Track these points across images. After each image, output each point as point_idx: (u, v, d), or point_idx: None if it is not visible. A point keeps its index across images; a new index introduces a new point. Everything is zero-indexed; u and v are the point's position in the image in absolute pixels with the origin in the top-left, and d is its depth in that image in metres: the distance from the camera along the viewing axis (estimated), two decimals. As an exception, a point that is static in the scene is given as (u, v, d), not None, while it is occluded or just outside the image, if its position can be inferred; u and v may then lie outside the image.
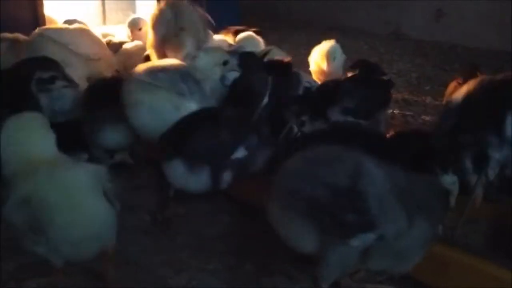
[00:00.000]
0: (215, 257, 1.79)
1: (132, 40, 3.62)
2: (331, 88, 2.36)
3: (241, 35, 3.33)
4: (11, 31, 3.38)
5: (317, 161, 1.43)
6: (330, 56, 2.95)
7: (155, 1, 4.62)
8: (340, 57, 3.00)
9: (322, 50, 3.00)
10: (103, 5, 5.14)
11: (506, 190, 1.80)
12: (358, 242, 1.39)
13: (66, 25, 3.09)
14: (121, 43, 3.52)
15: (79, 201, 1.45)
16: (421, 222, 1.43)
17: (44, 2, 3.92)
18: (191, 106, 2.05)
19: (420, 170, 1.59)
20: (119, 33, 4.82)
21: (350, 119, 2.30)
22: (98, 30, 4.46)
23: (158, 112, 2.01)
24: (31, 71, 2.11)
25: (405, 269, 1.50)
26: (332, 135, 1.89)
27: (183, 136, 1.86)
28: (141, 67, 2.12)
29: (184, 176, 1.83)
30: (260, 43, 3.31)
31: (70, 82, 2.18)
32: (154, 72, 2.06)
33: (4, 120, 1.52)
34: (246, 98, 2.04)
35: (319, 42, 4.53)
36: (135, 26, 3.60)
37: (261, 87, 2.04)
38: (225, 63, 2.28)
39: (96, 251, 1.54)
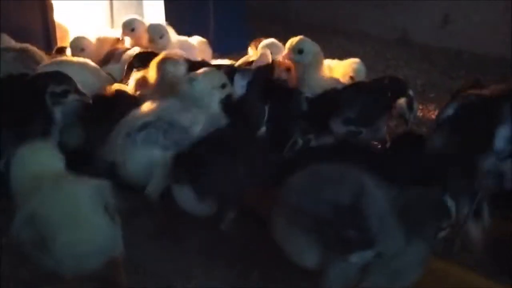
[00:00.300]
0: (222, 264, 1.83)
1: (122, 39, 3.69)
2: (331, 99, 2.38)
3: (264, 42, 3.40)
4: (22, 39, 3.45)
5: (321, 179, 1.48)
6: (355, 74, 2.92)
7: (163, 4, 4.68)
8: (363, 75, 2.96)
9: (345, 67, 2.97)
10: (111, 7, 5.18)
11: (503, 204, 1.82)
12: (357, 258, 1.46)
13: (66, 58, 3.06)
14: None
15: (82, 216, 1.49)
16: (419, 241, 1.46)
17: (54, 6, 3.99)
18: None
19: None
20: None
21: (352, 128, 2.33)
22: (107, 32, 4.56)
23: (144, 164, 2.08)
24: (45, 85, 2.18)
25: (403, 286, 1.53)
26: (334, 151, 1.91)
27: (198, 165, 1.88)
28: (129, 117, 2.16)
29: (193, 203, 1.87)
30: (282, 49, 3.33)
31: (82, 96, 2.23)
32: (141, 128, 2.10)
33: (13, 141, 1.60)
34: (245, 124, 2.06)
35: (325, 49, 4.57)
36: (126, 27, 3.65)
37: (258, 117, 2.07)
38: (223, 86, 2.27)
39: (100, 263, 1.58)
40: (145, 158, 2.07)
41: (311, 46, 2.87)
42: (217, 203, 1.87)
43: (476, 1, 4.78)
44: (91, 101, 2.30)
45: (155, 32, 3.55)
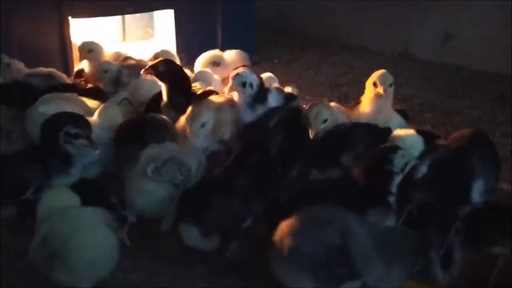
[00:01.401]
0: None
1: (80, 61, 3.89)
2: (343, 134, 2.52)
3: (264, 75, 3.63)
4: (39, 58, 3.66)
5: (313, 223, 1.69)
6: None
7: (173, 19, 4.85)
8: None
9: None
10: (123, 22, 5.36)
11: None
12: None
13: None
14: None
15: (87, 227, 1.92)
16: (397, 268, 1.68)
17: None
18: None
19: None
20: (138, 49, 5.08)
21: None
22: (118, 47, 4.75)
23: (155, 198, 2.34)
24: (63, 124, 2.42)
25: None
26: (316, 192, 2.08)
27: (200, 205, 2.08)
28: (146, 155, 2.42)
29: (197, 240, 2.06)
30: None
31: (90, 144, 2.46)
32: (157, 165, 2.36)
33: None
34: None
35: (328, 62, 4.75)
36: (82, 49, 3.82)
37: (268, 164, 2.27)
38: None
39: (109, 270, 1.96)
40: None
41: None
42: (219, 237, 2.06)
43: (477, 18, 4.93)
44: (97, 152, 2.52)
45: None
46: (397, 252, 1.71)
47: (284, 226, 1.73)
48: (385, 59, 5.28)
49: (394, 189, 1.99)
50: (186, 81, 3.20)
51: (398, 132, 2.52)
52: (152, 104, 3.12)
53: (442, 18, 5.20)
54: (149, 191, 2.33)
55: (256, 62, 5.02)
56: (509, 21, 4.71)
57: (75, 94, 3.09)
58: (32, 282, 2.06)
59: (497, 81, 4.57)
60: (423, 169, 2.26)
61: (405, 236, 1.78)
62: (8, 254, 2.24)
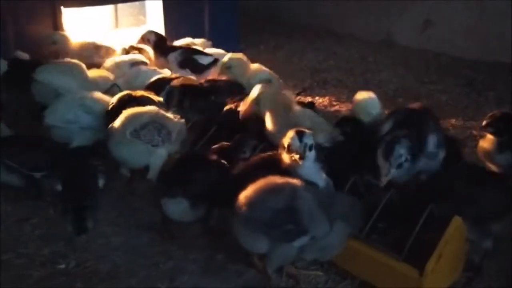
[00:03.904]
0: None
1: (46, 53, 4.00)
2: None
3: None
4: (33, 47, 3.87)
5: (264, 190, 1.97)
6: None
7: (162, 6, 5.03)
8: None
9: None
10: (116, 10, 5.53)
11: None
12: (297, 243, 1.97)
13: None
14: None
15: None
16: (339, 227, 1.93)
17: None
18: (162, 151, 2.60)
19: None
20: (131, 36, 5.28)
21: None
22: (111, 33, 4.97)
23: (136, 157, 2.62)
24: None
25: (329, 258, 2.09)
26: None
27: (189, 181, 2.25)
28: (125, 119, 2.62)
29: (185, 212, 2.23)
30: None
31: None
32: (136, 128, 2.59)
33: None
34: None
35: (314, 49, 4.92)
36: (46, 40, 4.02)
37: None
38: None
39: None
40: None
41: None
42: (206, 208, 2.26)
43: (456, 6, 5.09)
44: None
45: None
46: (338, 212, 1.97)
47: (241, 196, 1.97)
48: (367, 46, 5.48)
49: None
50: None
51: (358, 95, 2.97)
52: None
53: (422, 6, 5.38)
54: (128, 145, 2.58)
55: (241, 50, 5.24)
56: (488, 9, 4.91)
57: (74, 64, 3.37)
58: (32, 248, 2.31)
59: (472, 67, 4.76)
60: (388, 126, 2.51)
61: (345, 200, 2.06)
62: (8, 221, 2.49)
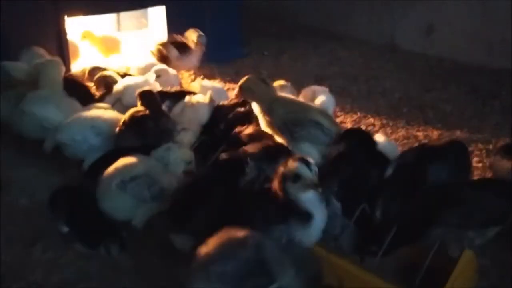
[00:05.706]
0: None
1: None
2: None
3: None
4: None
5: (229, 244, 1.90)
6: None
7: (165, 15, 5.01)
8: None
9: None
10: (118, 15, 5.56)
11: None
12: None
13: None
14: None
15: None
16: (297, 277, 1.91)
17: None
18: (151, 205, 2.47)
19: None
20: (132, 39, 5.27)
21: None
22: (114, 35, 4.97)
23: (125, 208, 2.48)
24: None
25: None
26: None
27: (190, 216, 2.24)
28: (114, 169, 2.50)
29: (190, 244, 2.17)
30: None
31: None
32: (125, 180, 2.46)
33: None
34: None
35: (315, 55, 4.93)
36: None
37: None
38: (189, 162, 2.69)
39: None
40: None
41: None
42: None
43: (460, 11, 5.06)
44: None
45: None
46: (296, 263, 1.91)
47: (203, 251, 1.87)
48: (371, 50, 5.46)
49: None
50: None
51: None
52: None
53: (426, 11, 5.34)
54: (115, 198, 2.45)
55: (245, 55, 5.23)
56: (491, 14, 4.87)
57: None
58: (33, 219, 2.31)
59: (476, 74, 4.73)
60: (389, 171, 2.53)
61: (300, 251, 2.04)
62: (9, 191, 2.50)
